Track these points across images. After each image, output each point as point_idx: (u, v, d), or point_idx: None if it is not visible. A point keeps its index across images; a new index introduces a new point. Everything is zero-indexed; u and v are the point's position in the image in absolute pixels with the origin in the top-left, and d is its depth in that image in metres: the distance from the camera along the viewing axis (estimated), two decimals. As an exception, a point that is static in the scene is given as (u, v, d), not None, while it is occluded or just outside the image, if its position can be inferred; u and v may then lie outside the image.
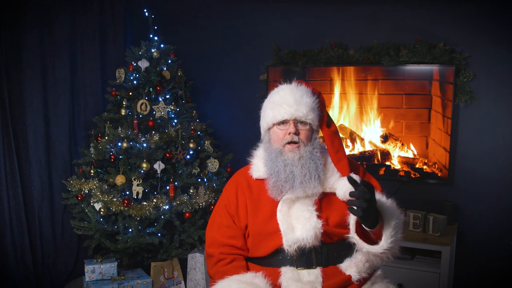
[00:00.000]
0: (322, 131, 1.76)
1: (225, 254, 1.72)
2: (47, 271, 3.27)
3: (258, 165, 1.79)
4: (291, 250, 1.64)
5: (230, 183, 1.84)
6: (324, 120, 1.76)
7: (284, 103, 1.70)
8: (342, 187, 1.69)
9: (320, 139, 1.78)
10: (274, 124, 1.73)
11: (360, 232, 1.62)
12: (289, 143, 1.70)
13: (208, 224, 1.83)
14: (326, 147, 1.77)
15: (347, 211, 1.57)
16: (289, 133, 1.69)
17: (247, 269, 1.71)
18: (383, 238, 1.58)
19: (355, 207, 1.48)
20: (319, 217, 1.66)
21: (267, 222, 1.70)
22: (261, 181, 1.76)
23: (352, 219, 1.62)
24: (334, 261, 1.69)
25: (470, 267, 3.13)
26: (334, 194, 1.72)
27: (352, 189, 1.51)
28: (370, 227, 1.57)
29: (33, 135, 3.18)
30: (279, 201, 1.70)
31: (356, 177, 1.62)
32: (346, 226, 1.66)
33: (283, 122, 1.71)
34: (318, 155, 1.70)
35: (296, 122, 1.70)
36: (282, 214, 1.68)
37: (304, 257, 1.66)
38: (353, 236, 1.62)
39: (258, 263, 1.72)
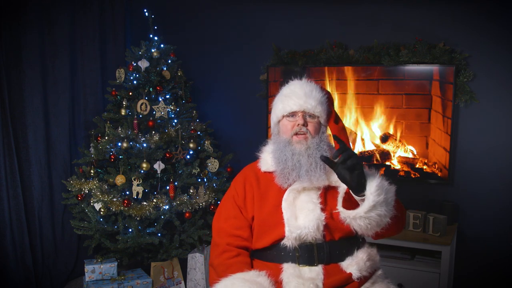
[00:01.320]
0: (330, 126, 1.81)
1: (231, 246, 1.73)
2: (47, 271, 3.27)
3: (267, 158, 1.82)
4: (292, 237, 1.66)
5: (238, 176, 1.87)
6: (332, 116, 1.81)
7: (294, 95, 1.75)
8: None
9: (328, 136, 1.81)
10: (283, 116, 1.77)
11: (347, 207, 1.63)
12: (297, 134, 1.73)
13: (215, 215, 1.85)
14: (333, 145, 1.81)
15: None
16: (298, 124, 1.73)
17: (251, 266, 1.72)
18: (366, 192, 1.56)
19: (342, 171, 1.54)
20: (323, 210, 1.69)
21: (273, 213, 1.72)
22: (269, 174, 1.79)
23: (340, 196, 1.65)
24: (335, 259, 1.70)
25: (470, 267, 3.13)
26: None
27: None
28: (359, 191, 1.57)
29: (33, 135, 3.18)
30: (285, 192, 1.72)
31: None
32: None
33: (293, 115, 1.75)
34: (325, 147, 1.73)
35: (305, 114, 1.74)
36: (287, 203, 1.71)
37: (307, 255, 1.67)
38: (340, 209, 1.63)
39: (261, 257, 1.74)
